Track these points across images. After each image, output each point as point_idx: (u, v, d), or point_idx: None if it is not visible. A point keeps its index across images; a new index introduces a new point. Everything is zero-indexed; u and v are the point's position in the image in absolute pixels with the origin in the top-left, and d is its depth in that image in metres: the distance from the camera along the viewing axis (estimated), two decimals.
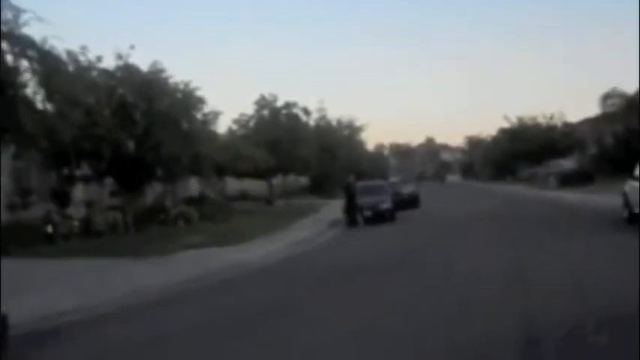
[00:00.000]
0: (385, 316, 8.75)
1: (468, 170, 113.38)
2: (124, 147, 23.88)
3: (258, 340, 7.75)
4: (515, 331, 7.00)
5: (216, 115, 28.06)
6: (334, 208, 34.31)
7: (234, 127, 46.89)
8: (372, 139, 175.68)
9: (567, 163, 58.09)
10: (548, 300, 8.76)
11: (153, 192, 31.15)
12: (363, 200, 27.60)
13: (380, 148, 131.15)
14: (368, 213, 27.42)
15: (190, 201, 32.93)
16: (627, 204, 19.96)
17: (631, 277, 9.36)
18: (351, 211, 26.96)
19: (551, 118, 68.75)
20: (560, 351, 6.26)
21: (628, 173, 21.17)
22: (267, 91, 51.31)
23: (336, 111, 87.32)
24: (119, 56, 24.18)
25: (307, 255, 18.20)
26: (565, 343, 6.57)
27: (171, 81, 25.64)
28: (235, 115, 47.90)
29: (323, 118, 60.43)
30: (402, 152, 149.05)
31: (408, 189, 32.20)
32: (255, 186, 48.93)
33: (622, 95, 50.06)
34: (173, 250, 18.80)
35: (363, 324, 8.24)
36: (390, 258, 15.51)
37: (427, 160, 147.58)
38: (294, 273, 14.56)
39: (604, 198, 29.38)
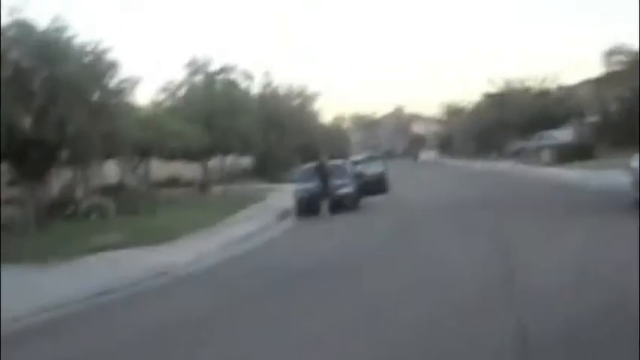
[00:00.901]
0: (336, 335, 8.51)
1: (445, 145, 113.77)
2: (19, 124, 23.09)
3: None
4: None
5: (133, 82, 27.36)
6: (283, 194, 34.15)
7: (160, 97, 46.15)
8: (330, 110, 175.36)
9: (564, 135, 58.46)
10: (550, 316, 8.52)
11: (60, 180, 30.50)
12: (313, 185, 27.56)
13: (339, 120, 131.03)
14: (317, 200, 27.23)
15: (106, 190, 32.49)
16: (636, 183, 19.94)
17: None
18: (323, 197, 26.78)
19: (544, 81, 69.38)
20: None
21: (636, 145, 21.17)
22: (200, 54, 50.48)
23: (285, 78, 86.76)
24: (12, 11, 23.33)
25: (250, 256, 17.89)
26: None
27: (76, 41, 24.88)
28: (161, 83, 47.17)
29: (269, 85, 59.95)
30: (366, 125, 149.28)
31: (373, 170, 31.92)
32: (187, 170, 48.48)
33: (629, 52, 50.48)
34: (81, 252, 18.36)
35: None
36: (351, 258, 15.25)
37: (396, 134, 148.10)
38: (232, 281, 14.18)
39: (609, 175, 29.49)
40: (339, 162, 31.97)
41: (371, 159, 37.70)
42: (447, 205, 26.17)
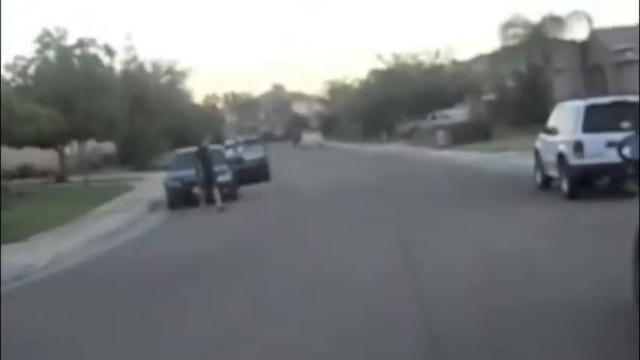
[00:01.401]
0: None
1: (330, 126, 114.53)
2: None
3: None
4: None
5: None
6: (153, 184, 33.69)
7: (8, 75, 44.75)
8: (201, 89, 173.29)
9: (459, 114, 59.78)
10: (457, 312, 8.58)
11: None
12: (186, 173, 27.03)
13: (212, 100, 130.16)
14: (195, 190, 26.81)
15: None
16: (540, 165, 20.53)
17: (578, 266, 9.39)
18: (208, 186, 26.09)
19: (437, 55, 70.64)
20: None
21: (537, 124, 21.74)
22: (52, 26, 49.07)
23: (151, 53, 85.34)
24: None
25: (115, 256, 17.48)
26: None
27: None
28: (8, 60, 45.66)
29: (133, 60, 58.95)
30: (242, 105, 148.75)
31: (252, 155, 31.74)
32: (40, 158, 47.32)
33: (526, 24, 51.84)
34: None
35: None
36: (231, 256, 14.99)
37: (276, 115, 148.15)
38: (95, 285, 13.80)
39: (508, 157, 30.24)
40: (217, 147, 31.59)
41: (249, 143, 37.56)
42: (339, 192, 26.30)
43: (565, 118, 19.24)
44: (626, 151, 8.07)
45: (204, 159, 26.32)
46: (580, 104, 18.77)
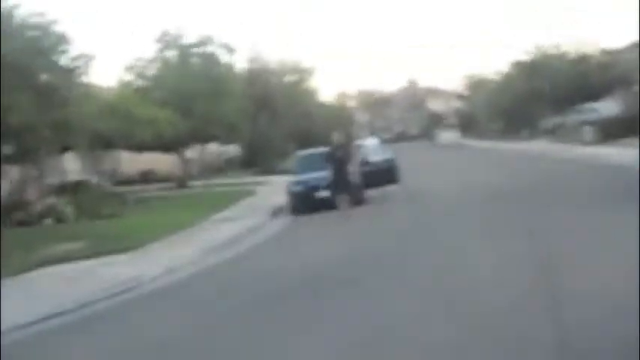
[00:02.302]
0: None
1: (468, 124, 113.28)
2: None
3: None
4: None
5: (88, 59, 26.89)
6: (276, 188, 33.71)
7: (127, 77, 45.72)
8: (331, 88, 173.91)
9: (608, 107, 57.96)
10: None
11: (7, 180, 30.18)
12: (310, 176, 27.22)
13: (342, 98, 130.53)
14: (323, 193, 26.64)
15: (63, 189, 32.13)
16: None
17: None
18: (339, 190, 25.48)
19: (584, 45, 68.85)
20: None
21: None
22: (173, 26, 49.99)
23: (275, 51, 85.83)
24: None
25: (234, 267, 17.36)
26: None
27: (18, 13, 24.46)
28: (128, 61, 46.70)
29: (256, 60, 59.47)
30: (374, 103, 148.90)
31: (380, 156, 31.39)
32: (162, 162, 48.32)
33: None
34: (30, 266, 18.03)
35: None
36: (362, 270, 14.43)
37: (410, 113, 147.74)
38: (208, 300, 13.64)
39: None
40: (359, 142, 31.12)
41: (378, 143, 37.23)
42: (476, 199, 25.15)
43: None
44: None
45: (336, 159, 25.47)
46: None
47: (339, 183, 24.93)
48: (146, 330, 11.44)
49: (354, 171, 25.51)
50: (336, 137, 26.35)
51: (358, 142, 40.63)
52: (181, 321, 11.72)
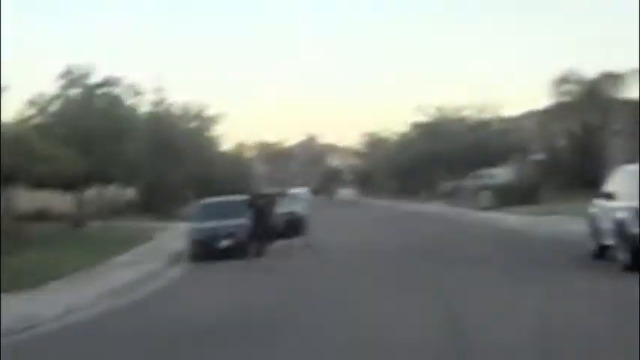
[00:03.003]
0: None
1: (365, 181, 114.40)
2: None
3: None
4: None
5: None
6: (175, 233, 33.75)
7: (29, 112, 44.89)
8: (230, 137, 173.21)
9: (504, 174, 59.26)
10: None
11: None
12: (212, 225, 27.42)
13: (241, 148, 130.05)
14: (225, 243, 26.78)
15: None
16: (595, 233, 20.05)
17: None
18: (261, 236, 26.08)
19: (483, 110, 70.32)
20: None
21: (588, 188, 21.33)
22: (79, 62, 49.33)
23: (180, 96, 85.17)
24: None
25: (130, 312, 17.23)
26: None
27: None
28: (30, 96, 45.84)
29: (161, 102, 59.06)
30: (273, 155, 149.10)
31: (290, 207, 31.52)
32: (59, 201, 47.32)
33: (580, 80, 51.45)
34: None
35: None
36: (253, 319, 14.53)
37: (308, 167, 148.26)
38: (105, 342, 13.50)
39: (559, 223, 29.66)
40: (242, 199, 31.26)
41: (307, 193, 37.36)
42: (379, 254, 25.68)
43: (625, 183, 18.68)
44: None
45: (258, 208, 26.39)
46: None
47: (256, 231, 25.65)
48: None
49: (274, 220, 26.39)
50: (258, 186, 27.49)
51: (291, 191, 41.12)
52: None
